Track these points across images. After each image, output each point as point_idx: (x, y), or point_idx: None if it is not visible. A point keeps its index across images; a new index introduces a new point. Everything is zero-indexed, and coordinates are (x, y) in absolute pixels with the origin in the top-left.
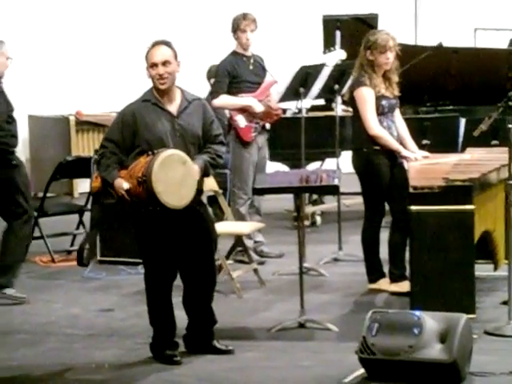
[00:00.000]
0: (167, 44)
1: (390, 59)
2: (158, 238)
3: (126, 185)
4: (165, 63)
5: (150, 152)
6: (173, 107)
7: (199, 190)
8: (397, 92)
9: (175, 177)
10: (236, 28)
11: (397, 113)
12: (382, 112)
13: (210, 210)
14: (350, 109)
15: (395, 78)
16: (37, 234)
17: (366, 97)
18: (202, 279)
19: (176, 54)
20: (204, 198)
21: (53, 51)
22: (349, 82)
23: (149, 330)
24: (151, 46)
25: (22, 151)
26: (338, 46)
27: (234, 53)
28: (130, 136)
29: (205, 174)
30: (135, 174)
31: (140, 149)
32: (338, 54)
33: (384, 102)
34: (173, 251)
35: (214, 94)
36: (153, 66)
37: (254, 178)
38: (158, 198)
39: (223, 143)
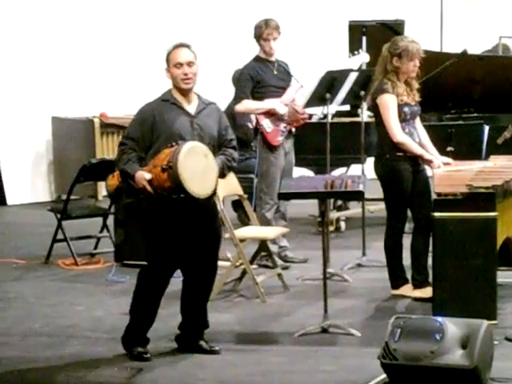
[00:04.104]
0: (189, 46)
1: (417, 66)
2: (170, 233)
3: (147, 175)
4: (190, 64)
5: (173, 143)
6: (191, 107)
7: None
8: (417, 97)
9: (199, 167)
10: (259, 36)
11: (417, 120)
12: (404, 119)
13: (235, 214)
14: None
15: (416, 85)
16: (60, 236)
17: (389, 104)
18: (203, 276)
19: (196, 57)
20: (229, 203)
21: (78, 53)
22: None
23: (172, 333)
24: (173, 47)
25: (45, 153)
26: (363, 51)
27: (258, 58)
28: (149, 134)
29: (221, 174)
30: (159, 163)
31: (158, 146)
32: (362, 57)
33: (406, 109)
34: (180, 248)
35: (236, 99)
36: (178, 65)
37: (280, 183)
38: (182, 184)
39: (236, 148)
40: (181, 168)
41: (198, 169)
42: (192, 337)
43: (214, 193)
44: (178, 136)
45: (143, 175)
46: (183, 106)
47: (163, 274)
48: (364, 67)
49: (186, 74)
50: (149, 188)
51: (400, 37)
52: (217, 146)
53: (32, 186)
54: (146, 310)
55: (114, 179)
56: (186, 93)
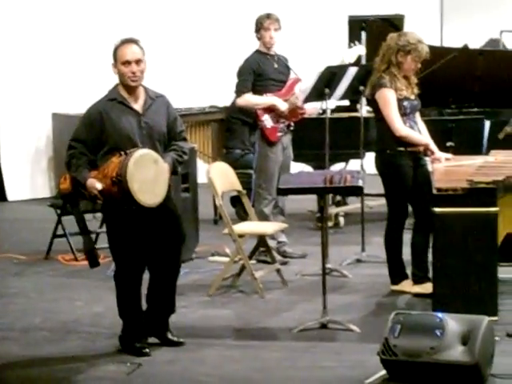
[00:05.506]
0: (137, 42)
1: (418, 68)
2: (130, 235)
3: (98, 185)
4: (138, 62)
5: (121, 152)
6: (138, 105)
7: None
8: (416, 90)
9: (149, 175)
10: (259, 27)
11: (417, 114)
12: (404, 113)
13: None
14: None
15: (414, 79)
16: (60, 232)
17: (389, 98)
18: (168, 271)
19: (144, 52)
20: (227, 198)
21: (78, 49)
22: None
23: (173, 328)
24: (121, 43)
25: (45, 149)
26: (359, 44)
27: (258, 52)
28: (98, 135)
29: (173, 171)
30: (109, 174)
31: (108, 147)
32: (358, 50)
33: (406, 104)
34: (143, 246)
35: (237, 93)
36: (125, 63)
37: (278, 179)
38: (133, 197)
39: (186, 139)
40: (130, 182)
41: (149, 178)
42: (158, 327)
43: (169, 189)
44: (126, 137)
45: (94, 184)
46: (130, 104)
47: (132, 274)
48: (363, 62)
49: (134, 73)
50: (100, 197)
51: (410, 33)
52: (167, 139)
53: (32, 182)
54: (131, 308)
55: (65, 183)
56: (132, 90)
